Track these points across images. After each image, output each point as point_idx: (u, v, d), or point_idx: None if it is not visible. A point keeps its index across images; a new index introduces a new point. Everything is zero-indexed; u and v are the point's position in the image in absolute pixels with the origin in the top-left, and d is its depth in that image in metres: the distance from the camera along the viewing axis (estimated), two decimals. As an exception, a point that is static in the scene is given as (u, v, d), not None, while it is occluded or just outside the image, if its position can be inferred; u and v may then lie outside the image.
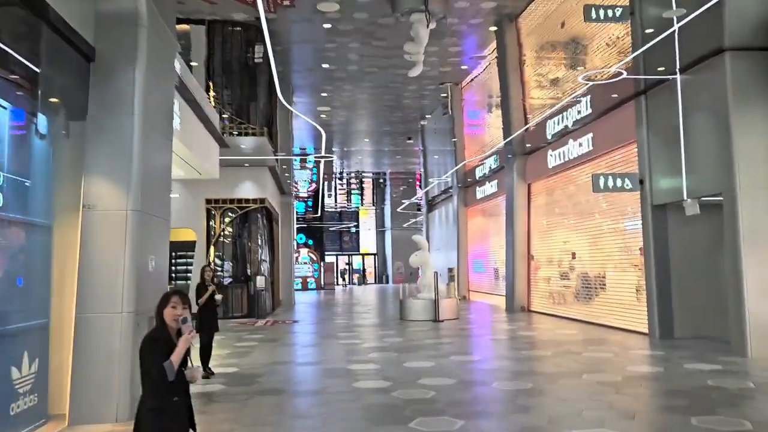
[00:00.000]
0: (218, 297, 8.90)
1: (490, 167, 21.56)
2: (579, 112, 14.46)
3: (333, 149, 36.34)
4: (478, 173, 23.04)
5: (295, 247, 41.21)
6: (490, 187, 22.07)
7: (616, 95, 12.36)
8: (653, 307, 11.48)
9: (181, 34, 18.55)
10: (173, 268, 20.96)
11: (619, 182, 11.63)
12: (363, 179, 48.51)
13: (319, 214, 42.92)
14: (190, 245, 18.49)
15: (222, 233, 18.71)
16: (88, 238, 6.31)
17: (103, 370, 6.13)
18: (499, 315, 17.73)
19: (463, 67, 21.84)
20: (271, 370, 9.00)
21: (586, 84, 12.79)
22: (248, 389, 7.68)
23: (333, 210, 49.01)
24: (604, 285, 14.48)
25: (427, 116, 27.42)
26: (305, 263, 40.40)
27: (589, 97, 13.99)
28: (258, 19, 17.55)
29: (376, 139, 33.08)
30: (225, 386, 7.90)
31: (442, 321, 15.80)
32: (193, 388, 3.82)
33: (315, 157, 18.86)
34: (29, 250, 5.87)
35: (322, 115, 27.00)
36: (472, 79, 23.94)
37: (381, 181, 47.94)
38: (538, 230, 18.18)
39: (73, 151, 6.57)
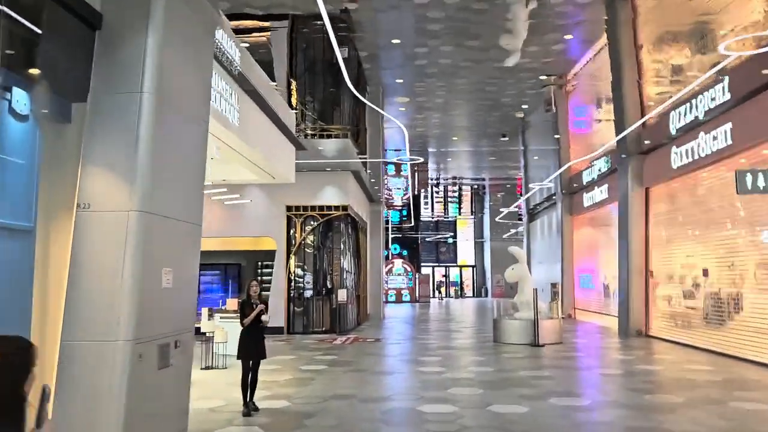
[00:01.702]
0: (265, 318, 7.49)
1: (599, 170, 19.08)
2: (713, 98, 11.96)
3: (428, 155, 34.79)
4: (586, 177, 20.57)
5: (388, 258, 40.05)
6: (599, 193, 19.55)
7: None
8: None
9: (262, 43, 17.77)
10: (258, 278, 20.21)
11: (772, 181, 9.15)
12: (461, 187, 46.55)
13: (413, 224, 41.42)
14: (269, 255, 17.52)
15: (303, 242, 17.59)
16: (80, 246, 5.06)
17: (85, 416, 4.82)
18: (611, 340, 15.28)
19: (568, 57, 19.51)
20: (326, 408, 7.46)
21: (726, 58, 10.35)
22: (289, 435, 6.18)
23: (429, 220, 47.39)
24: (740, 308, 11.85)
25: (522, 107, 24.98)
26: (399, 275, 39.01)
27: (726, 80, 11.48)
28: (343, 11, 16.49)
29: (473, 143, 31.13)
30: (262, 430, 6.44)
31: (543, 346, 13.67)
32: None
33: (398, 160, 17.35)
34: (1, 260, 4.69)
35: (416, 117, 25.48)
36: (576, 73, 21.54)
37: (480, 189, 45.77)
38: (658, 242, 15.58)
39: (77, 138, 5.39)
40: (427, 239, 46.77)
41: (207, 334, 10.80)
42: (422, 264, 45.83)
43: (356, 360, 11.69)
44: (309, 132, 17.00)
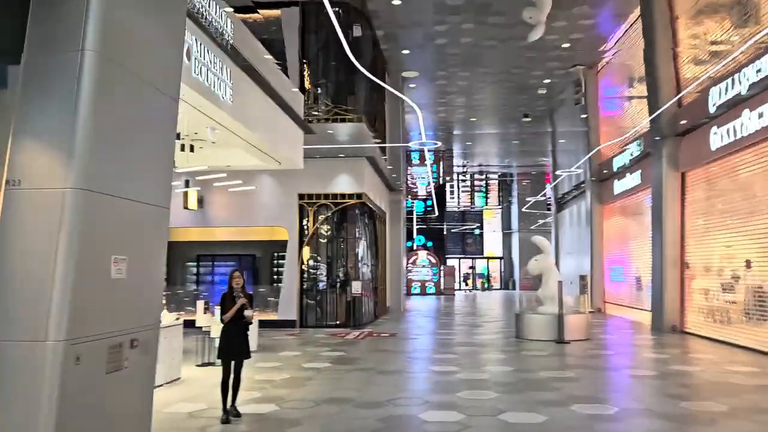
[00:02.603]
0: (249, 313, 6.71)
1: (631, 155, 17.88)
2: (759, 70, 10.77)
3: (452, 143, 33.74)
4: (617, 163, 19.36)
5: (412, 249, 39.14)
6: (631, 180, 18.35)
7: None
8: None
9: (272, 19, 16.99)
10: (275, 269, 19.60)
11: (829, 159, 8.03)
12: (488, 177, 45.36)
13: (438, 214, 40.41)
14: (285, 245, 16.81)
15: (316, 232, 16.84)
16: (8, 229, 4.32)
17: (16, 426, 4.10)
18: (643, 336, 14.20)
19: (598, 33, 18.18)
20: (315, 414, 6.66)
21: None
22: (266, 448, 5.40)
23: (455, 210, 46.32)
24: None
25: (545, 82, 23.66)
26: (424, 266, 38.08)
27: (773, 49, 10.32)
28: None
29: (499, 129, 29.90)
30: (238, 440, 5.69)
31: (568, 342, 12.68)
32: None
33: (417, 144, 16.41)
34: None
35: (440, 101, 24.42)
36: (607, 50, 20.29)
37: (508, 179, 44.53)
38: (695, 231, 14.40)
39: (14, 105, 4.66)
40: (452, 230, 45.72)
41: (203, 329, 10.10)
42: (448, 256, 44.82)
43: (364, 357, 10.88)
44: (322, 116, 16.19)
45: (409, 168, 36.71)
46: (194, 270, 20.49)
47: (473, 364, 10.07)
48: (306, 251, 16.80)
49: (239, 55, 9.13)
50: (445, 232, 44.83)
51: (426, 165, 38.01)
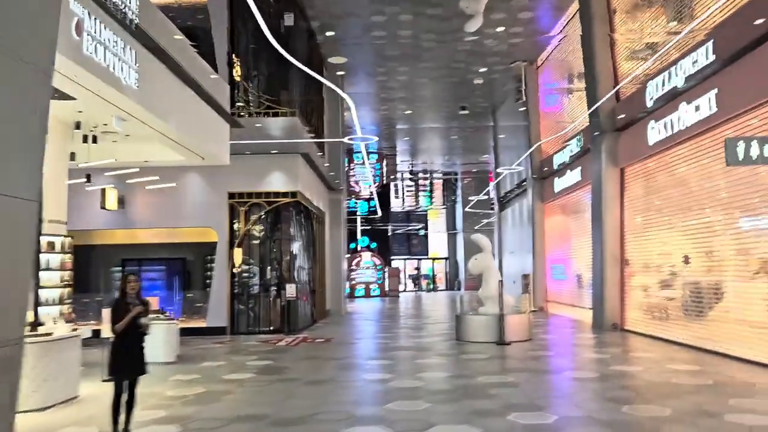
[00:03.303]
0: (146, 320, 5.87)
1: (571, 152, 17.69)
2: (695, 62, 10.57)
3: (396, 141, 33.22)
4: (557, 160, 19.18)
5: (354, 250, 38.42)
6: (571, 177, 18.18)
7: (762, 20, 8.44)
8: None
9: (199, 6, 15.98)
10: (208, 273, 18.57)
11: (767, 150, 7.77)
12: (433, 177, 45.09)
13: (382, 215, 39.84)
14: (214, 247, 15.83)
15: (248, 233, 15.92)
16: None
17: None
18: (585, 335, 13.92)
19: (537, 27, 17.92)
20: (223, 435, 5.88)
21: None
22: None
23: (400, 210, 45.85)
24: (721, 298, 10.60)
25: (480, 71, 23.46)
26: (368, 268, 37.46)
27: (711, 42, 10.10)
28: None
29: (443, 129, 29.54)
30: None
31: (509, 344, 12.24)
32: None
33: (348, 139, 15.76)
34: None
35: (381, 95, 23.76)
36: (548, 56, 20.15)
37: (452, 178, 44.37)
38: (634, 227, 14.24)
39: None
40: (397, 231, 45.26)
41: (110, 340, 9.11)
42: (393, 257, 44.32)
43: (292, 366, 10.10)
44: (253, 110, 15.29)
45: (352, 168, 36.03)
46: (119, 275, 19.18)
47: (408, 371, 9.45)
48: (237, 253, 15.86)
49: (146, 36, 8.24)
50: (389, 233, 44.32)
51: (368, 165, 37.39)
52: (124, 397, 5.76)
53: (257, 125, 13.76)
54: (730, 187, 10.22)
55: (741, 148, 7.77)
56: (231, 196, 15.73)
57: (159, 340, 10.70)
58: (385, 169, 36.84)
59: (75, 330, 8.06)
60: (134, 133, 9.66)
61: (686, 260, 11.71)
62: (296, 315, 15.95)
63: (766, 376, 8.32)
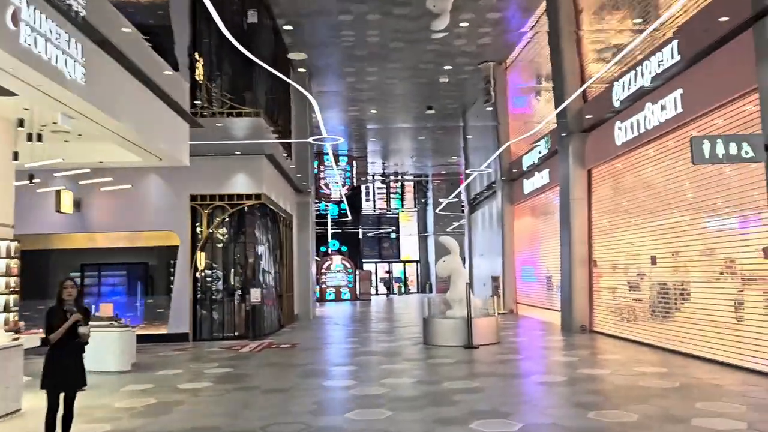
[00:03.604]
0: (84, 330, 5.48)
1: (540, 153, 17.63)
2: (660, 63, 10.51)
3: (366, 143, 32.97)
4: (526, 162, 19.11)
5: (325, 254, 38.02)
6: (540, 179, 18.12)
7: (726, 18, 8.37)
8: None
9: (159, 3, 15.51)
10: (172, 278, 18.07)
11: (733, 149, 7.69)
12: (404, 179, 44.93)
13: (353, 218, 39.57)
14: (173, 252, 15.37)
15: (211, 236, 15.48)
16: None
17: None
18: (553, 338, 13.80)
19: (506, 27, 17.83)
20: (169, 450, 5.53)
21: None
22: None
23: (371, 213, 45.59)
24: (687, 299, 10.57)
25: (445, 68, 23.28)
26: (339, 271, 37.08)
27: (676, 41, 10.04)
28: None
29: (414, 131, 29.35)
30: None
31: (477, 347, 12.04)
32: None
33: (314, 140, 15.44)
34: None
35: (349, 94, 23.44)
36: (516, 57, 20.09)
37: (423, 180, 44.27)
38: (601, 228, 14.19)
39: None
40: (368, 234, 44.97)
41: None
42: (364, 260, 44.03)
43: (253, 374, 9.74)
44: (216, 110, 14.86)
45: (322, 171, 35.65)
46: (78, 281, 18.53)
47: (373, 377, 9.16)
48: (201, 257, 15.42)
49: (94, 29, 7.82)
50: (360, 236, 44.03)
51: (339, 168, 37.08)
52: (61, 412, 5.36)
53: (218, 125, 13.34)
54: (695, 188, 10.18)
55: (707, 146, 7.68)
56: (193, 198, 15.27)
57: (113, 349, 10.28)
58: (355, 172, 36.55)
59: (16, 339, 7.59)
60: (86, 132, 9.21)
61: (653, 261, 11.66)
62: (261, 320, 15.54)
63: (732, 377, 8.24)
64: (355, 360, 11.12)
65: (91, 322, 9.53)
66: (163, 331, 15.11)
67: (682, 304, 10.84)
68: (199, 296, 15.28)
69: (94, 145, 10.29)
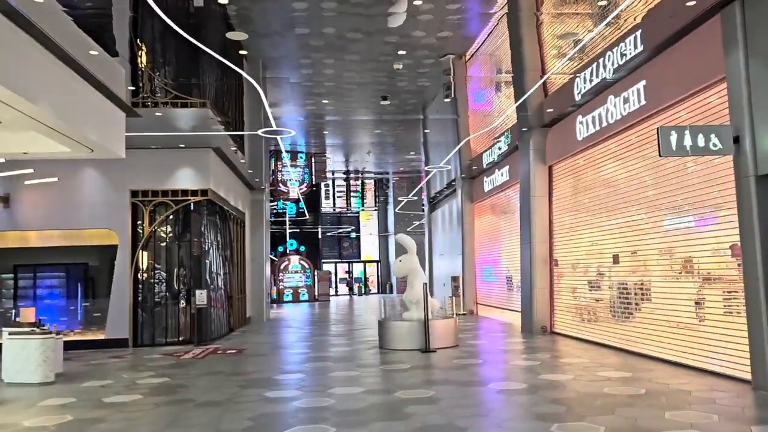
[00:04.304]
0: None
1: (500, 149, 17.18)
2: (623, 54, 10.09)
3: (325, 140, 32.14)
4: (486, 160, 18.66)
5: (283, 254, 37.05)
6: (500, 176, 17.69)
7: (693, 2, 7.94)
8: (762, 335, 7.04)
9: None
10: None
11: (701, 141, 7.25)
12: (365, 178, 44.25)
13: (312, 218, 38.72)
14: (115, 251, 14.35)
15: (153, 235, 14.53)
16: None
17: None
18: (514, 340, 13.33)
19: (466, 17, 17.29)
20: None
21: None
22: None
23: (331, 213, 44.78)
24: (649, 299, 10.22)
25: (399, 53, 22.78)
26: (296, 272, 36.19)
27: (639, 32, 9.63)
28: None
29: (373, 126, 28.67)
30: None
31: (434, 351, 11.46)
32: None
33: (263, 132, 14.65)
34: None
35: (306, 85, 22.60)
36: (477, 50, 19.62)
37: (384, 178, 43.68)
38: (562, 226, 13.79)
39: None
40: (328, 234, 44.15)
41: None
42: (324, 260, 43.22)
43: (190, 384, 8.92)
44: (160, 100, 13.91)
45: (280, 169, 34.74)
46: (11, 283, 17.30)
47: (319, 386, 8.46)
48: (143, 257, 14.45)
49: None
50: (320, 236, 43.19)
51: (298, 166, 36.20)
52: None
53: (157, 114, 12.43)
54: (656, 184, 9.80)
55: (674, 138, 7.23)
56: (134, 194, 14.31)
57: (34, 358, 9.33)
58: (314, 169, 35.74)
59: None
60: (5, 120, 8.28)
61: (616, 260, 11.26)
62: (208, 324, 14.66)
63: (699, 381, 7.82)
64: (304, 367, 10.40)
65: (9, 329, 8.59)
66: (100, 336, 14.11)
67: (644, 303, 10.47)
68: (140, 299, 14.32)
69: (15, 134, 9.33)
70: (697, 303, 8.87)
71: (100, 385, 8.97)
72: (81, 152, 10.71)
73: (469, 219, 21.26)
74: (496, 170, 17.90)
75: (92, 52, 8.94)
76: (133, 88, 13.01)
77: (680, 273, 9.36)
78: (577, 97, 11.92)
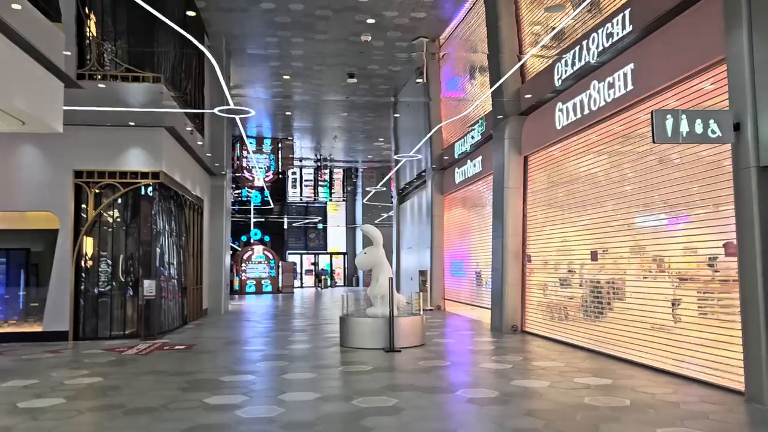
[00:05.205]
0: None
1: (472, 139, 16.43)
2: (610, 35, 9.38)
3: (292, 128, 31.08)
4: (458, 150, 17.91)
5: (246, 243, 35.90)
6: (472, 167, 16.95)
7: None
8: (759, 343, 6.39)
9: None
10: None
11: (699, 127, 6.55)
12: (333, 168, 43.20)
13: (278, 207, 37.62)
14: (46, 236, 13.21)
15: (99, 219, 13.40)
16: None
17: None
18: (483, 339, 12.62)
19: (442, 3, 16.52)
20: None
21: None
22: None
23: (298, 203, 43.67)
24: (623, 297, 9.60)
25: (368, 24, 21.95)
26: (260, 262, 35.08)
27: (628, 10, 8.92)
28: None
29: (343, 113, 27.70)
30: None
31: (399, 351, 10.67)
32: None
33: (220, 111, 13.63)
34: None
35: (273, 65, 21.54)
36: (452, 33, 18.82)
37: (352, 167, 42.73)
38: (536, 221, 13.11)
39: None
40: (294, 224, 43.06)
41: None
42: (289, 251, 42.17)
43: (124, 386, 7.94)
44: (110, 73, 12.76)
45: (245, 156, 33.55)
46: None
47: (269, 390, 7.58)
48: (88, 244, 13.33)
49: None
50: (286, 226, 42.09)
51: (263, 153, 35.08)
52: None
53: (100, 86, 11.34)
54: (637, 178, 9.15)
55: (670, 122, 6.51)
56: (78, 174, 13.16)
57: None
58: (280, 156, 34.64)
59: None
60: None
61: (593, 257, 10.60)
62: (157, 316, 13.60)
63: (686, 391, 7.17)
64: (256, 367, 9.49)
65: None
66: (37, 329, 12.97)
67: (617, 302, 9.85)
68: (83, 288, 13.20)
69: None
70: (673, 303, 8.28)
71: (23, 386, 7.94)
72: (12, 125, 9.59)
73: (439, 211, 20.51)
74: (468, 161, 17.16)
75: (15, 6, 7.82)
76: (74, 56, 11.84)
77: (650, 271, 8.80)
78: (558, 83, 11.21)
